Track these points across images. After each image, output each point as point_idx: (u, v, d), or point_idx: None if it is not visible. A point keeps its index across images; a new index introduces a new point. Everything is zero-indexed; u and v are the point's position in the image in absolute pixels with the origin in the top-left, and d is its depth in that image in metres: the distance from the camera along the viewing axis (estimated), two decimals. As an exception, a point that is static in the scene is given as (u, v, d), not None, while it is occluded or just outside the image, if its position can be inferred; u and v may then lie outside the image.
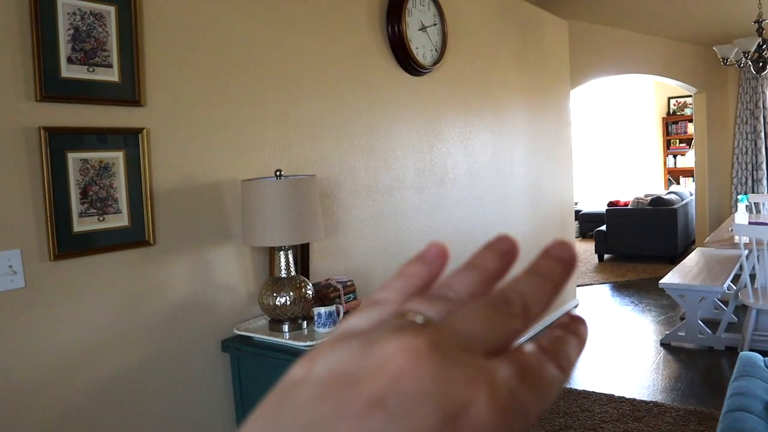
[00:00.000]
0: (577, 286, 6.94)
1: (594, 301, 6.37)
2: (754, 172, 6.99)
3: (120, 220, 2.33)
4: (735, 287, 5.40)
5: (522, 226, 5.15)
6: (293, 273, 2.61)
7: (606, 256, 8.63)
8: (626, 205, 8.82)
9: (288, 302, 2.53)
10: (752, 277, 4.68)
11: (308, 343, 2.41)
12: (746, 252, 4.33)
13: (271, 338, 2.51)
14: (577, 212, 10.69)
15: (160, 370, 2.45)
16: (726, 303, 5.70)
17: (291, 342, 2.45)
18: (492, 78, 4.69)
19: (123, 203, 2.34)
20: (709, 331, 4.76)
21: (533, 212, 5.34)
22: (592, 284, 7.13)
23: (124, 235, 2.34)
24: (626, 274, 7.49)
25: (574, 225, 6.25)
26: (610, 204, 9.10)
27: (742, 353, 1.96)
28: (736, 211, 7.13)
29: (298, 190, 2.48)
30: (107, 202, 2.29)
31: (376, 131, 3.52)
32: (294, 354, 2.37)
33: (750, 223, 4.48)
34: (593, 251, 8.70)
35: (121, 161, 2.33)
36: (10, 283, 2.04)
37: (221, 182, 2.67)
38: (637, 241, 8.12)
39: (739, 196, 5.30)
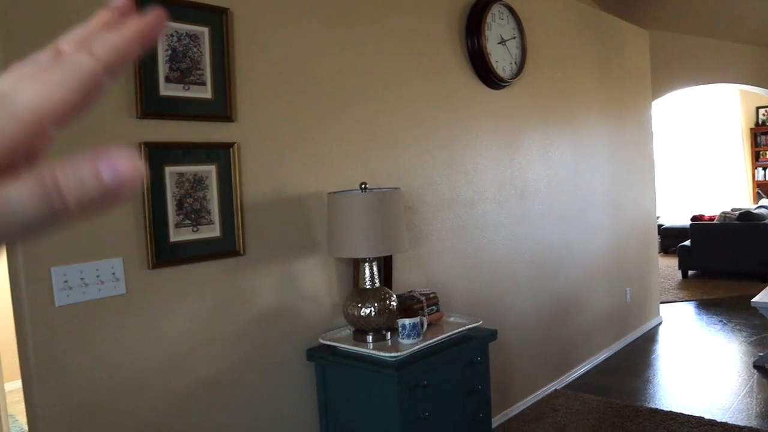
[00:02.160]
0: (660, 303, 6.69)
1: (679, 320, 6.12)
2: None
3: (212, 230, 2.42)
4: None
5: (603, 240, 5.02)
6: (377, 284, 2.63)
7: (690, 272, 8.29)
8: (711, 219, 8.46)
9: (372, 313, 2.55)
10: None
11: (392, 354, 2.42)
12: None
13: (356, 348, 2.54)
14: (658, 227, 10.34)
15: (248, 376, 2.51)
16: (825, 324, 5.37)
17: (375, 352, 2.47)
18: (571, 90, 4.62)
19: (215, 214, 2.42)
20: (808, 354, 4.50)
21: (614, 226, 5.20)
22: (675, 301, 6.86)
23: (216, 245, 2.42)
24: (713, 292, 7.17)
25: (656, 240, 6.04)
26: (694, 218, 8.75)
27: None
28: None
29: (383, 203, 2.50)
30: (201, 213, 2.38)
31: (457, 144, 3.52)
32: (378, 364, 2.39)
33: None
34: (676, 267, 8.38)
35: (213, 174, 2.42)
36: (113, 290, 2.14)
37: (307, 195, 2.73)
38: (724, 258, 7.76)
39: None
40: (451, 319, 2.90)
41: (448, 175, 3.46)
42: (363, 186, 2.57)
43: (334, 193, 2.55)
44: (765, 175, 10.68)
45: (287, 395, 2.65)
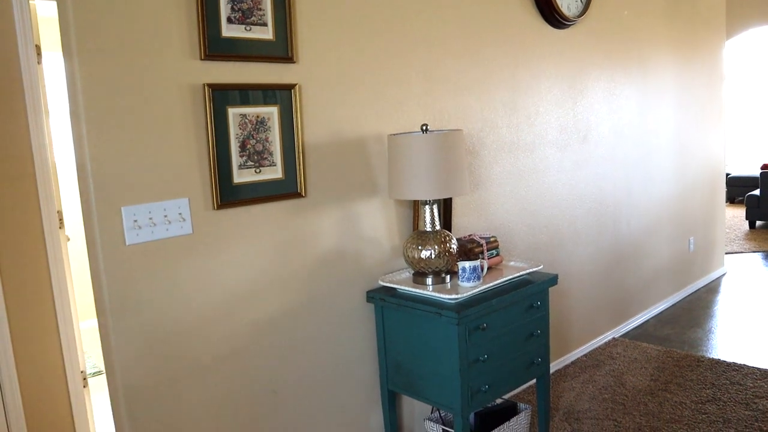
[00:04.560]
0: (726, 253, 6.49)
1: (744, 271, 5.93)
2: None
3: (275, 172, 2.44)
4: None
5: (667, 187, 4.87)
6: (437, 227, 2.62)
7: (758, 223, 7.99)
8: (783, 168, 8.08)
9: (432, 256, 2.55)
10: None
11: (452, 296, 2.42)
12: None
13: (415, 290, 2.55)
14: (726, 175, 9.95)
15: (308, 317, 2.57)
16: None
17: (434, 294, 2.48)
18: (639, 30, 4.41)
19: (277, 156, 2.44)
20: None
21: (679, 174, 5.02)
22: (742, 252, 6.64)
23: (278, 186, 2.45)
24: (781, 243, 6.91)
25: (723, 189, 5.82)
26: (764, 167, 8.37)
27: None
28: None
29: (444, 145, 2.47)
30: (263, 155, 2.40)
31: (519, 87, 3.43)
32: (437, 306, 2.40)
33: None
34: (743, 217, 8.08)
35: (275, 116, 2.42)
36: (180, 229, 2.20)
37: (368, 137, 2.71)
38: (795, 208, 7.44)
39: None
40: (511, 263, 2.88)
41: (510, 118, 3.38)
42: (424, 127, 2.54)
43: (396, 134, 2.52)
44: (844, 122, 10.07)
45: (347, 336, 2.71)
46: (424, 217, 2.62)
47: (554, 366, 3.84)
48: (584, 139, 3.93)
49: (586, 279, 4.07)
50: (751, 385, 3.51)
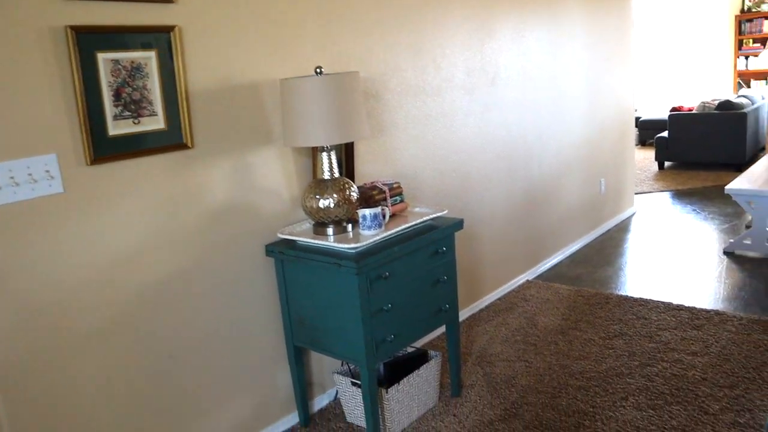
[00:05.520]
0: (635, 194, 6.68)
1: (653, 210, 6.12)
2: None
3: (156, 122, 2.25)
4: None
5: (578, 130, 4.90)
6: (337, 175, 2.51)
7: (667, 163, 8.26)
8: (690, 110, 8.34)
9: (331, 205, 2.45)
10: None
11: (352, 246, 2.33)
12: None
13: (315, 241, 2.45)
14: (636, 119, 10.22)
15: (204, 274, 2.43)
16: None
17: (334, 244, 2.39)
18: (548, -30, 4.35)
19: (158, 105, 2.25)
20: (778, 239, 4.52)
21: (590, 116, 5.07)
22: (651, 192, 6.85)
23: (161, 138, 2.27)
24: (688, 182, 7.16)
25: (633, 130, 5.93)
26: (673, 110, 8.62)
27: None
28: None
29: (339, 87, 2.34)
30: (141, 104, 2.21)
31: (424, 28, 3.31)
32: (337, 257, 2.31)
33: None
34: (653, 158, 8.33)
35: (153, 61, 2.23)
36: (48, 188, 2.01)
37: (260, 82, 2.55)
38: (701, 148, 7.71)
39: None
40: (416, 209, 2.81)
41: (415, 60, 3.27)
42: (318, 70, 2.40)
43: (288, 79, 2.37)
44: (747, 65, 10.48)
45: (247, 293, 2.59)
46: (322, 165, 2.50)
47: (468, 311, 3.85)
48: (493, 81, 3.87)
49: (498, 223, 4.07)
50: (655, 318, 3.62)
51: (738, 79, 10.53)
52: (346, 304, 2.36)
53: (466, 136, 3.68)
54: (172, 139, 2.30)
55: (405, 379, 2.66)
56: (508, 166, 4.10)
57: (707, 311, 3.64)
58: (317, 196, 2.46)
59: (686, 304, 3.78)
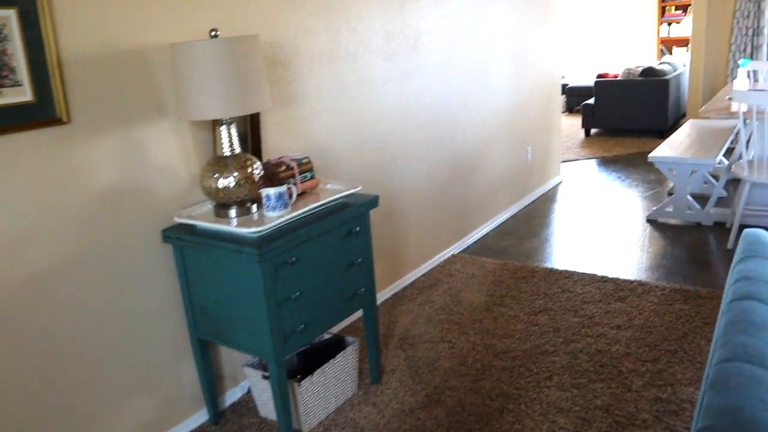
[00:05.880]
0: (562, 162, 6.66)
1: (579, 177, 6.11)
2: (755, 37, 6.54)
3: (21, 94, 1.96)
4: (727, 161, 5.15)
5: (504, 98, 4.78)
6: (237, 150, 2.28)
7: (593, 130, 8.31)
8: (616, 77, 8.39)
9: (232, 184, 2.22)
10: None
11: (253, 230, 2.11)
12: (744, 121, 4.01)
13: (215, 225, 2.22)
14: (563, 86, 10.25)
15: (92, 264, 2.17)
16: (716, 177, 5.47)
17: (233, 229, 2.16)
18: (472, -71, 4.15)
19: (23, 73, 1.95)
20: (698, 206, 4.54)
21: (517, 84, 4.95)
22: (577, 159, 6.85)
23: (29, 112, 1.97)
24: (613, 149, 7.20)
25: (559, 98, 5.87)
26: (599, 76, 8.66)
27: (746, 230, 1.69)
28: (733, 78, 6.75)
29: (237, 53, 2.10)
30: (1, 72, 1.91)
31: (337, -11, 3.07)
32: (237, 242, 2.09)
33: (750, 90, 4.14)
34: (580, 126, 8.37)
35: (14, 21, 1.92)
36: None
37: (149, 47, 2.27)
38: (625, 115, 7.77)
39: (740, 60, 4.92)
40: (329, 186, 2.61)
41: (327, 23, 3.03)
42: (213, 33, 2.14)
43: (179, 43, 2.11)
44: (669, 32, 10.63)
45: (144, 283, 2.34)
46: (221, 140, 2.26)
47: (391, 290, 3.70)
48: (414, 46, 3.67)
49: (422, 196, 3.92)
50: (580, 291, 3.56)
51: (661, 46, 10.69)
52: (249, 293, 2.15)
53: (386, 105, 3.48)
54: (43, 113, 2.01)
55: (319, 370, 2.49)
56: (431, 136, 3.93)
57: (631, 282, 3.61)
58: (216, 175, 2.22)
59: (610, 275, 3.75)
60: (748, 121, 4.14)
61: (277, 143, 2.80)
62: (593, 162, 6.73)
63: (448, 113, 4.08)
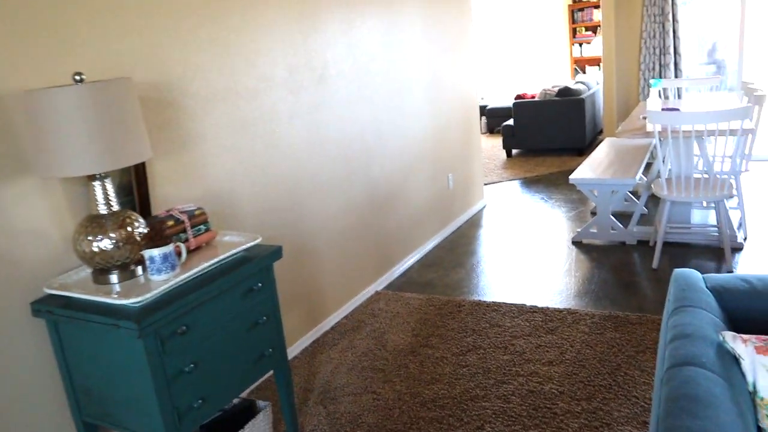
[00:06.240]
0: (485, 185, 6.60)
1: (503, 200, 6.04)
2: (662, 56, 6.69)
3: None
4: (646, 178, 5.17)
5: (421, 125, 4.64)
6: (116, 208, 2.00)
7: (514, 151, 8.33)
8: (533, 97, 8.46)
9: (110, 246, 1.94)
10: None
11: (134, 301, 1.84)
12: (659, 141, 4.00)
13: (88, 296, 1.92)
14: (483, 108, 10.31)
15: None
16: (636, 194, 5.49)
17: (108, 300, 1.87)
18: (377, -45, 4.01)
19: None
20: (621, 226, 4.51)
21: (434, 110, 4.83)
22: (500, 181, 6.80)
23: None
24: (535, 169, 7.21)
25: (478, 122, 5.80)
26: (518, 97, 8.72)
27: (676, 272, 1.55)
28: (646, 96, 6.87)
29: (104, 99, 1.84)
30: None
31: (230, 20, 2.84)
32: (114, 316, 1.80)
33: (663, 109, 4.14)
34: (501, 147, 8.37)
35: None
36: None
37: (6, 95, 1.98)
38: (545, 134, 7.82)
39: (651, 81, 4.96)
40: (226, 238, 2.36)
41: (222, 59, 2.79)
42: (77, 77, 1.88)
43: (34, 90, 1.83)
44: (581, 51, 10.88)
45: (13, 363, 2.02)
46: (96, 197, 1.98)
47: (311, 336, 3.46)
48: (321, 78, 3.47)
49: (339, 234, 3.70)
50: (509, 324, 3.41)
51: (574, 66, 10.92)
52: (134, 371, 1.87)
53: (292, 142, 3.25)
54: None
55: (226, 445, 2.22)
56: (345, 171, 3.73)
57: (560, 311, 3.49)
58: (90, 237, 1.94)
59: (539, 305, 3.62)
60: (663, 140, 4.14)
61: (169, 193, 2.53)
62: (516, 183, 6.70)
63: (362, 145, 3.89)
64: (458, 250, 4.77)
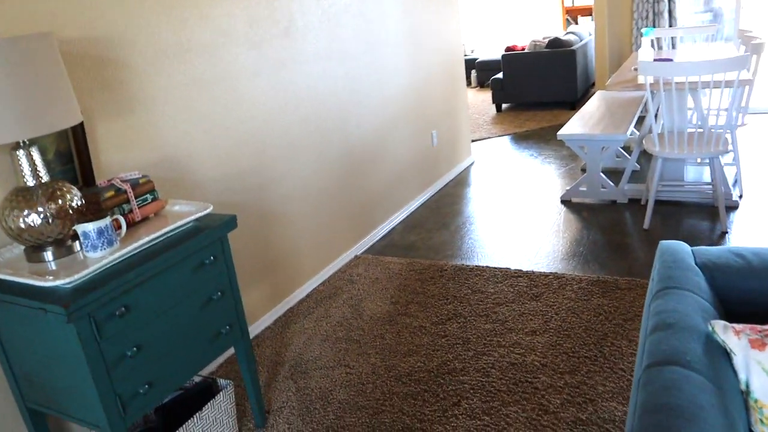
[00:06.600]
0: (473, 141, 6.38)
1: (492, 157, 5.83)
2: (656, 4, 6.40)
3: None
4: (638, 132, 4.97)
5: (400, 81, 4.40)
6: (45, 178, 1.81)
7: (504, 105, 8.08)
8: (523, 49, 8.16)
9: (38, 221, 1.75)
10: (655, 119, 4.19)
11: (63, 282, 1.66)
12: (651, 93, 3.79)
13: (14, 278, 1.74)
14: (474, 61, 10.00)
15: None
16: (628, 149, 5.29)
17: (33, 282, 1.68)
18: None
19: None
20: (612, 184, 4.33)
21: (414, 64, 4.58)
22: (489, 138, 6.59)
23: None
24: (525, 124, 6.98)
25: (464, 75, 5.55)
26: (507, 49, 8.43)
27: (662, 244, 1.38)
28: (638, 47, 6.61)
29: (17, 58, 1.63)
30: None
31: (183, -32, 2.59)
32: (40, 298, 1.63)
33: (655, 60, 3.91)
34: (491, 101, 8.12)
35: None
36: None
37: None
38: (535, 88, 7.56)
39: (643, 30, 4.71)
40: (176, 207, 2.17)
41: (171, 11, 2.55)
42: (-8, 32, 1.67)
43: (-55, 46, 1.61)
44: (573, 1, 10.51)
45: (-60, 347, 1.86)
46: (21, 168, 1.79)
47: (284, 306, 3.30)
48: (286, 32, 3.23)
49: (313, 197, 3.51)
50: (492, 291, 3.26)
51: (566, 16, 10.57)
52: (69, 357, 1.71)
53: (257, 101, 3.03)
54: None
55: (181, 429, 2.07)
56: (318, 130, 3.51)
57: (546, 275, 3.34)
58: (16, 212, 1.75)
59: (524, 269, 3.47)
60: (655, 92, 3.92)
61: (117, 161, 2.33)
62: (506, 139, 6.48)
63: (337, 102, 3.67)
64: (443, 210, 4.59)
